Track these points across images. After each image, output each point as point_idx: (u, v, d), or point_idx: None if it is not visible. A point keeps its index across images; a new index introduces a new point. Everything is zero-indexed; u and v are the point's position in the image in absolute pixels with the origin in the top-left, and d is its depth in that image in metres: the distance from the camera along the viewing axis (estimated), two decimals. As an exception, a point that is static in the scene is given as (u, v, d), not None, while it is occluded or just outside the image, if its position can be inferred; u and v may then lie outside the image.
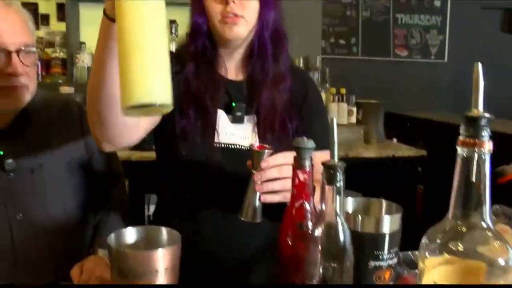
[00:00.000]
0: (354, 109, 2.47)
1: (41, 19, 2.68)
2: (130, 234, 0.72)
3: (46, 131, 1.23)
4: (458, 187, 0.57)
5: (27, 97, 1.15)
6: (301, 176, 0.76)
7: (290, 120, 1.11)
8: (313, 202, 0.78)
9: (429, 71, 3.78)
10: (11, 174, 1.16)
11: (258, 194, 0.90)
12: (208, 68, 1.13)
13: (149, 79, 0.61)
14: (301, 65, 2.48)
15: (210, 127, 1.08)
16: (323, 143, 1.08)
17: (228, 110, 1.12)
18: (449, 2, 3.74)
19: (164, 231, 0.73)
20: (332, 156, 0.70)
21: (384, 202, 0.82)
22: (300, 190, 0.77)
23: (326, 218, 0.69)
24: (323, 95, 2.47)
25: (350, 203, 0.83)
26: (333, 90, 2.47)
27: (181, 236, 0.72)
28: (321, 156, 1.08)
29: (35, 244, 1.17)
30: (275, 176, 0.89)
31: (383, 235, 0.75)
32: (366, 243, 0.75)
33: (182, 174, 1.10)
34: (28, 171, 1.18)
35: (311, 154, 0.77)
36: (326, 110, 1.23)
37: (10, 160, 1.15)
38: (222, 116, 1.11)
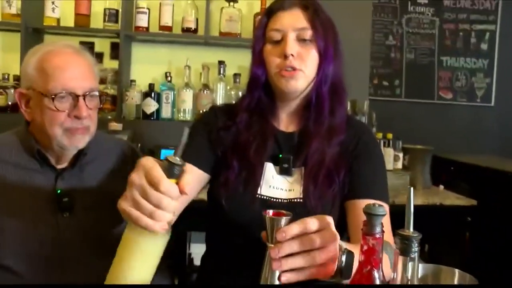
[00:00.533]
0: (401, 155, 2.42)
1: (95, 57, 2.78)
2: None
3: (100, 172, 1.27)
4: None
5: (87, 138, 1.20)
6: (371, 242, 0.74)
7: (337, 173, 1.08)
8: (382, 270, 0.76)
9: (474, 115, 3.70)
10: (66, 213, 1.19)
11: (277, 272, 0.75)
12: (260, 119, 1.14)
13: None
14: (348, 108, 2.47)
15: (253, 179, 1.09)
16: (371, 191, 1.06)
17: (276, 161, 1.12)
18: (497, 45, 3.69)
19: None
20: (407, 225, 0.68)
21: (457, 273, 0.78)
22: (368, 256, 0.75)
23: (399, 289, 0.67)
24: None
25: (420, 270, 0.80)
26: (380, 135, 2.44)
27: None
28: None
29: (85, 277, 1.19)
30: (295, 250, 0.73)
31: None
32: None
33: (223, 223, 1.10)
34: (82, 209, 1.21)
35: (381, 220, 0.75)
36: (382, 160, 1.20)
37: (66, 199, 1.19)
38: (269, 168, 1.11)
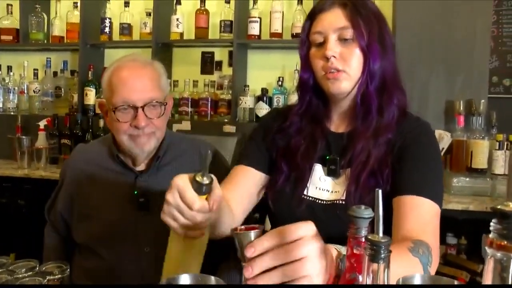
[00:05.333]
0: (525, 159, 2.12)
1: (215, 65, 3.02)
2: (184, 280, 0.77)
3: (176, 173, 1.39)
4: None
5: (153, 142, 1.33)
6: (356, 248, 0.72)
7: (381, 174, 1.04)
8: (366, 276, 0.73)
9: None
10: (143, 212, 1.34)
11: None
12: (311, 121, 1.15)
13: None
14: (461, 109, 2.26)
15: (301, 181, 1.10)
16: (419, 188, 0.99)
17: (325, 163, 1.11)
18: None
19: (213, 280, 0.76)
20: (377, 231, 0.65)
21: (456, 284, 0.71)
22: (352, 261, 0.73)
23: (370, 297, 0.64)
24: (487, 142, 2.20)
25: (418, 280, 0.74)
26: (500, 136, 2.17)
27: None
28: (412, 203, 0.97)
29: (159, 273, 1.33)
30: (269, 265, 0.67)
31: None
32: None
33: (272, 224, 1.14)
34: (157, 210, 1.35)
35: (367, 224, 0.72)
36: (434, 156, 1.10)
37: (142, 199, 1.34)
38: (317, 169, 1.12)
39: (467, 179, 2.19)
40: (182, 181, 0.82)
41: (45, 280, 1.08)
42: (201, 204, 0.82)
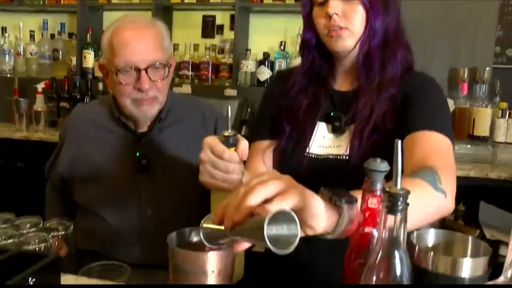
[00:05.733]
0: (527, 128, 2.13)
1: (216, 29, 2.97)
2: (195, 234, 0.77)
3: (179, 136, 1.37)
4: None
5: (156, 107, 1.29)
6: (371, 201, 0.72)
7: (385, 129, 1.03)
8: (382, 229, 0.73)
9: None
10: (145, 174, 1.33)
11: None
12: (315, 81, 1.14)
13: None
14: (465, 76, 2.24)
15: (303, 139, 1.09)
16: (431, 122, 0.98)
17: (330, 121, 1.10)
18: None
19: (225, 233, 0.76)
20: (395, 182, 0.64)
21: (470, 240, 0.71)
22: (368, 216, 0.72)
23: (385, 249, 0.64)
24: (489, 110, 2.20)
25: (432, 236, 0.74)
26: (503, 104, 2.17)
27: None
28: (423, 137, 0.97)
29: (162, 234, 1.32)
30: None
31: (458, 279, 0.66)
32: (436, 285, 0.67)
33: None
34: (160, 172, 1.34)
35: (383, 177, 0.71)
36: (442, 96, 1.10)
37: (144, 161, 1.32)
38: (321, 127, 1.11)
39: (469, 146, 2.20)
40: (210, 138, 0.89)
41: (49, 236, 1.08)
42: (231, 153, 0.88)
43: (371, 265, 0.66)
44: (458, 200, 0.86)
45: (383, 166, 0.71)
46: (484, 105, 2.21)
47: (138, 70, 1.24)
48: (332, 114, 1.11)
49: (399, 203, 0.63)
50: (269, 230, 0.58)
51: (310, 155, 1.10)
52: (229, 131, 0.89)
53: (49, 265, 0.74)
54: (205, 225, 0.70)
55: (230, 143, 0.90)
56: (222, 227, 0.65)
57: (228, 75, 2.80)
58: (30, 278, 0.69)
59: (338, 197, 0.71)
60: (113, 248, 1.32)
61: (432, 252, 0.67)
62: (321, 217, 0.68)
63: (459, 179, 0.90)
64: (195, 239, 0.78)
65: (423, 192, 0.80)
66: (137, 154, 1.33)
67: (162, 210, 1.33)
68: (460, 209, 2.22)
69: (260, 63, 2.76)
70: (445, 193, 0.83)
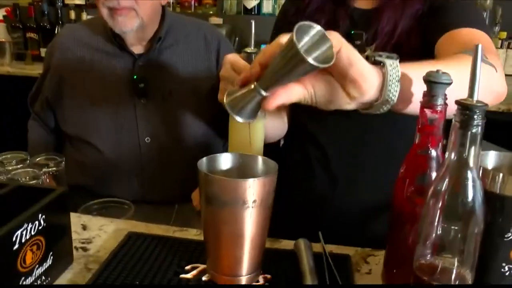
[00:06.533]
0: (528, 57, 2.07)
1: None
2: (225, 160, 0.67)
3: (180, 59, 1.25)
4: None
5: (134, 20, 1.15)
6: (430, 117, 0.62)
7: (409, 47, 0.94)
8: (441, 150, 0.64)
9: None
10: (143, 98, 1.20)
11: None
12: None
13: None
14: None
15: None
16: (464, 20, 0.88)
17: (350, 40, 0.99)
18: None
19: (260, 160, 0.67)
20: (471, 93, 0.54)
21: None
22: (426, 134, 0.63)
23: (454, 171, 0.56)
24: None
25: (492, 158, 0.66)
26: (503, 34, 2.09)
27: (277, 166, 0.65)
28: (460, 33, 0.87)
29: (161, 166, 1.23)
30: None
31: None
32: (505, 209, 0.59)
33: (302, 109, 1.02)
34: (159, 96, 1.21)
35: (444, 91, 0.62)
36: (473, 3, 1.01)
37: (142, 85, 1.19)
38: None
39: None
40: (232, 55, 0.79)
41: (41, 172, 0.96)
42: None
43: (435, 191, 0.57)
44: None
45: (446, 77, 0.61)
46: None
47: None
48: (352, 32, 1.00)
49: (475, 116, 0.54)
50: (300, 44, 0.52)
51: None
52: (252, 48, 0.81)
53: (57, 199, 0.63)
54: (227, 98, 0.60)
55: (252, 60, 0.79)
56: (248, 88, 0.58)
57: (212, 2, 2.63)
58: (40, 215, 0.58)
59: (377, 53, 0.63)
60: (107, 182, 1.22)
61: (501, 174, 0.59)
62: (369, 74, 0.59)
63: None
64: (226, 166, 0.67)
65: (468, 63, 0.69)
66: (134, 76, 1.20)
67: (162, 139, 1.22)
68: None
69: (247, -12, 2.58)
70: (495, 68, 0.75)
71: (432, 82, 0.61)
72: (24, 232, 0.55)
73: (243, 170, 0.67)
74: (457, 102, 0.55)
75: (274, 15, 2.55)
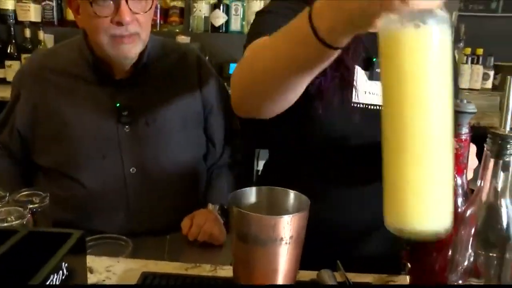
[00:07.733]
0: (491, 73, 2.17)
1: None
2: (254, 194, 0.65)
3: (162, 84, 1.20)
4: None
5: (138, 47, 1.10)
6: (457, 145, 0.63)
7: None
8: (466, 177, 0.65)
9: None
10: (127, 126, 1.15)
11: None
12: None
13: (431, 205, 0.45)
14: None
15: (349, 85, 0.95)
16: None
17: (366, 66, 0.98)
18: None
19: (291, 195, 0.65)
20: (503, 123, 0.56)
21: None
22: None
23: (485, 198, 0.57)
24: (456, 55, 2.21)
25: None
26: (468, 50, 2.18)
27: (309, 201, 0.64)
28: None
29: (148, 196, 1.17)
30: None
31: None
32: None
33: (316, 135, 0.99)
34: (143, 124, 1.16)
35: (469, 120, 0.63)
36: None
37: (126, 113, 1.14)
38: (359, 73, 0.98)
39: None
40: None
41: (27, 210, 0.88)
42: None
43: (466, 218, 0.58)
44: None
45: (471, 107, 0.63)
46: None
47: (116, 0, 1.03)
48: (374, 59, 0.95)
49: (508, 146, 0.55)
50: None
51: (359, 105, 0.96)
52: None
53: (77, 244, 0.59)
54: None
55: None
56: None
57: (179, 20, 2.57)
58: (63, 264, 0.54)
59: None
60: (91, 216, 1.14)
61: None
62: None
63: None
64: (254, 200, 0.65)
65: None
66: (117, 104, 1.15)
67: (148, 168, 1.17)
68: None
69: (215, 6, 2.54)
70: None
71: (458, 112, 0.62)
72: (51, 284, 0.51)
73: (272, 204, 0.65)
74: (489, 131, 0.56)
75: (242, 33, 2.53)
